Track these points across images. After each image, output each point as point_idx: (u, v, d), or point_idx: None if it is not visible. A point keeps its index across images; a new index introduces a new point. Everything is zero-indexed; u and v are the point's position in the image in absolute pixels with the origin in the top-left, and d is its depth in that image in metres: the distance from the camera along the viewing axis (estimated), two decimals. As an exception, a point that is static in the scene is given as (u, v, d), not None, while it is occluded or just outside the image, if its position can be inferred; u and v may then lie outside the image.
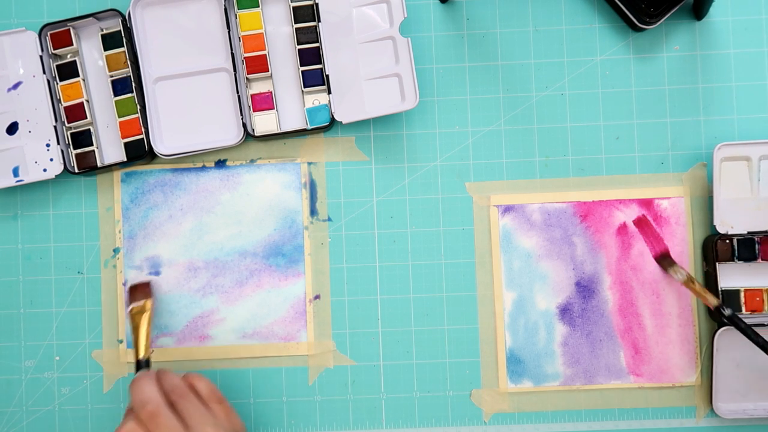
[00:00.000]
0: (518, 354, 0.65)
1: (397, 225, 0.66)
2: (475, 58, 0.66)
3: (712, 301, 0.61)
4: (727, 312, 0.60)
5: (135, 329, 0.62)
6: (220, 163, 0.66)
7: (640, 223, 0.64)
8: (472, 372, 0.65)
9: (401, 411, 0.65)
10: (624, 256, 0.65)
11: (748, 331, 0.59)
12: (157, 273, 0.65)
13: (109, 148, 0.65)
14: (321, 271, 0.65)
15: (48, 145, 0.64)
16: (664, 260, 0.64)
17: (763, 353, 0.63)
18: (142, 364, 0.60)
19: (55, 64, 0.64)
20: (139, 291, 0.64)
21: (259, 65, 0.64)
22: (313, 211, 0.66)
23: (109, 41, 0.64)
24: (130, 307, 0.63)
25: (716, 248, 0.63)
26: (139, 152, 0.64)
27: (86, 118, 0.64)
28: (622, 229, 0.65)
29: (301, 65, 0.64)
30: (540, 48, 0.66)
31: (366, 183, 0.66)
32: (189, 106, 0.64)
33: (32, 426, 0.65)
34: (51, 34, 0.64)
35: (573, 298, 0.65)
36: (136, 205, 0.66)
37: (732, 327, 0.62)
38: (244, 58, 0.64)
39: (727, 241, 0.63)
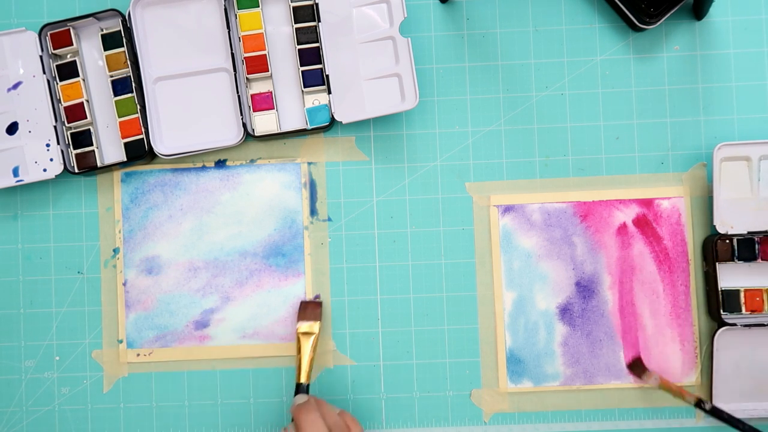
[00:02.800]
0: (518, 354, 0.65)
1: (397, 225, 0.66)
2: (475, 58, 0.66)
3: (690, 399, 0.61)
4: (707, 406, 0.60)
5: (299, 350, 0.62)
6: (220, 163, 0.66)
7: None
8: (472, 372, 0.65)
9: (401, 411, 0.65)
10: (624, 256, 0.65)
11: (732, 421, 0.60)
12: (157, 273, 0.66)
13: (109, 148, 0.65)
14: (321, 271, 0.65)
15: (48, 145, 0.64)
16: (636, 367, 0.63)
17: (763, 353, 0.63)
18: (302, 389, 0.60)
19: (55, 64, 0.64)
20: (310, 310, 0.63)
21: (259, 65, 0.64)
22: (313, 211, 0.66)
23: (109, 41, 0.64)
24: (299, 325, 0.62)
25: (716, 248, 0.63)
26: (139, 152, 0.64)
27: (86, 118, 0.64)
28: (622, 229, 0.65)
29: (301, 65, 0.64)
30: (540, 48, 0.66)
31: (366, 183, 0.66)
32: (189, 106, 0.64)
33: (32, 426, 0.65)
34: (51, 34, 0.64)
35: (573, 298, 0.65)
36: (136, 205, 0.66)
37: (732, 327, 0.62)
38: (244, 58, 0.64)
39: (727, 241, 0.63)
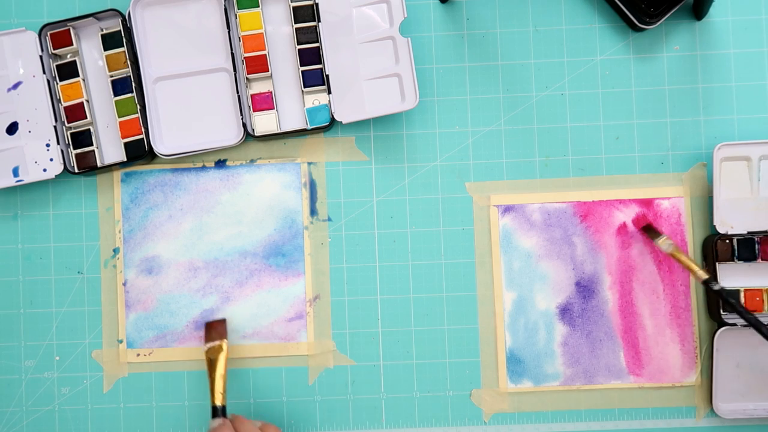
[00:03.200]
0: (518, 354, 0.65)
1: (397, 225, 0.66)
2: (475, 58, 0.66)
3: (701, 274, 0.61)
4: (716, 287, 0.60)
5: (211, 371, 0.60)
6: (220, 163, 0.66)
7: (638, 220, 0.64)
8: (472, 372, 0.65)
9: (401, 411, 0.65)
10: (624, 256, 0.65)
11: (738, 307, 0.59)
12: (157, 273, 0.66)
13: (109, 148, 0.65)
14: (321, 271, 0.65)
15: (48, 145, 0.64)
16: (650, 231, 0.63)
17: (763, 353, 0.63)
18: (218, 412, 0.59)
19: (55, 64, 0.64)
20: (214, 330, 0.63)
21: (259, 65, 0.64)
22: (313, 211, 0.66)
23: (109, 41, 0.64)
24: (206, 347, 0.62)
25: (716, 248, 0.63)
26: (139, 152, 0.64)
27: (86, 118, 0.64)
28: (622, 229, 0.65)
29: (301, 65, 0.64)
30: (540, 48, 0.66)
31: (366, 183, 0.66)
32: (189, 106, 0.64)
33: (32, 426, 0.65)
34: (51, 34, 0.64)
35: (573, 298, 0.65)
36: (136, 205, 0.66)
37: (732, 327, 0.62)
38: (244, 58, 0.64)
39: (727, 241, 0.63)
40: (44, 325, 0.66)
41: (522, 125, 0.66)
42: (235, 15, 0.64)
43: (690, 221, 0.65)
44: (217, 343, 0.62)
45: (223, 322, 0.64)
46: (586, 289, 0.65)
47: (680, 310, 0.65)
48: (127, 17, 0.64)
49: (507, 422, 0.65)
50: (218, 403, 0.59)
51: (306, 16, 0.64)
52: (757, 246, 0.63)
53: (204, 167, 0.66)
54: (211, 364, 0.61)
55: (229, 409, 0.65)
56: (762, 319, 0.63)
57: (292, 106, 0.65)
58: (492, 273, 0.65)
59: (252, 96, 0.64)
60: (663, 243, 0.62)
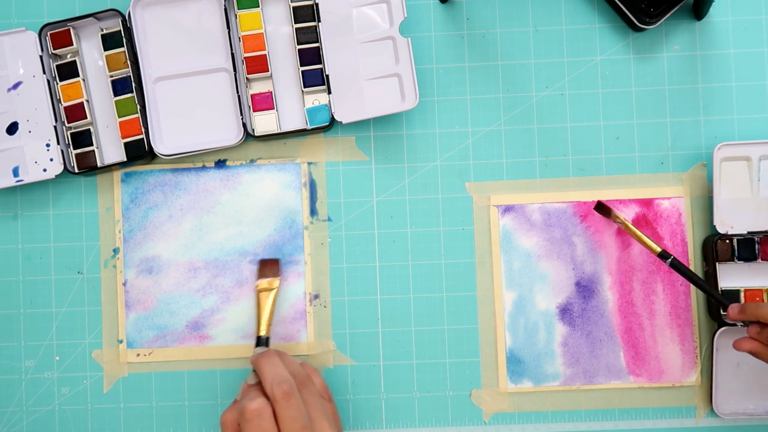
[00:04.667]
0: (518, 354, 0.65)
1: (397, 225, 0.66)
2: (475, 58, 0.66)
3: (654, 247, 0.61)
4: (669, 261, 0.61)
5: (259, 306, 0.62)
6: (220, 163, 0.66)
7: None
8: (472, 372, 0.65)
9: (401, 411, 0.65)
10: (624, 256, 0.65)
11: (691, 275, 0.60)
12: (157, 273, 0.66)
13: (109, 148, 0.65)
14: (321, 271, 0.65)
15: (48, 145, 0.64)
16: (602, 209, 0.64)
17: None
18: (262, 341, 0.61)
19: (55, 64, 0.65)
20: (268, 268, 0.64)
21: (259, 65, 0.64)
22: (313, 211, 0.66)
23: (109, 41, 0.64)
24: (258, 283, 0.63)
25: (716, 248, 0.63)
26: (139, 152, 0.64)
27: (86, 118, 0.64)
28: (622, 229, 0.65)
29: (301, 65, 0.64)
30: (540, 48, 0.66)
31: (366, 183, 0.66)
32: (189, 106, 0.64)
33: (32, 426, 0.65)
34: (51, 34, 0.64)
35: (573, 298, 0.65)
36: (136, 205, 0.66)
37: (732, 327, 0.63)
38: (244, 58, 0.64)
39: (727, 241, 0.63)
40: (44, 325, 0.66)
41: (522, 125, 0.66)
42: (235, 15, 0.64)
43: (690, 221, 0.65)
44: (269, 279, 0.63)
45: (277, 261, 0.64)
46: (586, 289, 0.65)
47: (680, 310, 0.65)
48: (127, 17, 0.64)
49: (507, 422, 0.65)
50: (263, 333, 0.61)
51: (306, 16, 0.64)
52: (757, 246, 0.63)
53: (204, 167, 0.66)
54: (261, 299, 0.62)
55: (223, 409, 0.65)
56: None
57: (292, 106, 0.65)
58: (492, 273, 0.65)
59: (252, 96, 0.64)
60: (615, 218, 0.63)
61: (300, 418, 0.54)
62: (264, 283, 0.63)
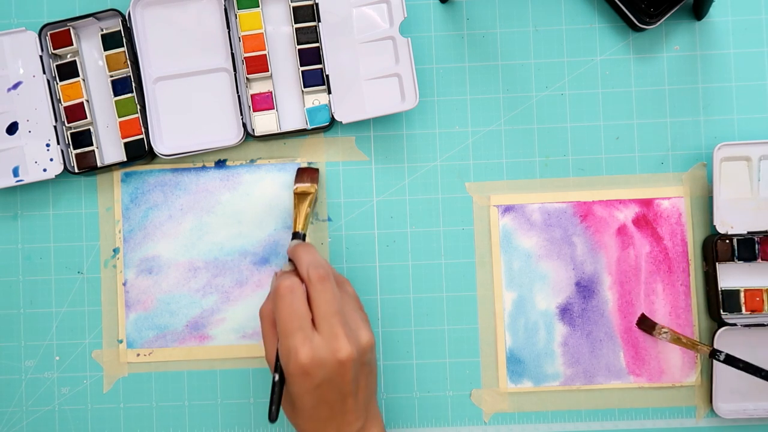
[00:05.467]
0: (518, 354, 0.65)
1: (397, 225, 0.66)
2: (475, 58, 0.66)
3: (705, 349, 0.61)
4: (722, 357, 0.60)
5: (296, 207, 0.62)
6: (220, 163, 0.66)
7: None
8: (472, 372, 0.65)
9: (401, 411, 0.65)
10: (624, 256, 0.65)
11: (748, 369, 0.60)
12: (157, 273, 0.66)
13: (109, 148, 0.65)
14: (321, 271, 0.65)
15: (48, 145, 0.64)
16: (644, 323, 0.64)
17: (763, 353, 0.63)
18: (299, 236, 0.60)
19: (55, 64, 0.65)
20: (307, 175, 0.63)
21: (259, 65, 0.64)
22: (313, 212, 0.66)
23: (109, 41, 0.64)
24: (296, 186, 0.62)
25: (716, 248, 0.63)
26: (139, 152, 0.64)
27: (86, 118, 0.64)
28: (622, 229, 0.65)
29: (301, 65, 0.64)
30: (540, 48, 0.66)
31: (366, 183, 0.66)
32: (189, 106, 0.64)
33: (32, 426, 0.65)
34: (51, 34, 0.64)
35: (573, 298, 0.65)
36: (136, 205, 0.66)
37: (732, 327, 0.63)
38: (244, 58, 0.64)
39: (727, 241, 0.63)
40: (44, 325, 0.66)
41: (522, 125, 0.66)
42: (235, 15, 0.64)
43: (690, 221, 0.65)
44: (307, 184, 0.62)
45: (317, 170, 0.64)
46: (586, 289, 0.65)
47: (680, 310, 0.65)
48: (127, 17, 0.64)
49: (507, 422, 0.65)
50: (300, 229, 0.61)
51: (306, 16, 0.64)
52: (757, 246, 0.63)
53: (204, 167, 0.66)
54: (298, 200, 0.62)
55: (223, 409, 0.65)
56: (762, 320, 0.63)
57: (292, 106, 0.65)
58: (492, 273, 0.65)
59: (252, 96, 0.64)
60: (661, 334, 0.63)
61: (334, 302, 0.53)
62: (302, 186, 0.62)
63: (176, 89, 0.64)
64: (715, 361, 0.63)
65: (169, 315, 0.65)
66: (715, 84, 0.66)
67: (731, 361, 0.60)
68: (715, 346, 0.63)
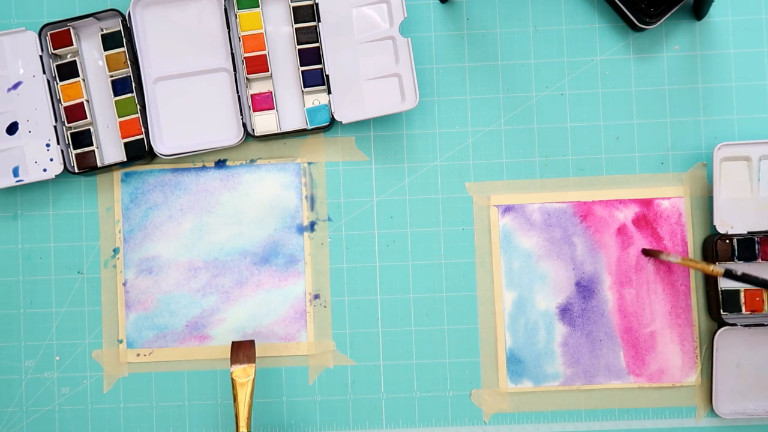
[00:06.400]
0: (518, 354, 0.65)
1: (397, 225, 0.66)
2: (475, 58, 0.66)
3: (718, 270, 0.60)
4: (739, 272, 0.59)
5: (236, 399, 0.58)
6: (220, 163, 0.66)
7: (638, 221, 0.64)
8: (472, 372, 0.65)
9: (401, 411, 0.65)
10: (624, 256, 0.65)
11: (754, 279, 0.59)
12: (157, 273, 0.66)
13: (109, 148, 0.65)
14: (321, 271, 0.65)
15: (48, 145, 0.64)
16: (651, 252, 0.64)
17: (763, 353, 0.63)
18: None
19: (55, 64, 0.65)
20: (243, 352, 0.60)
21: (259, 65, 0.64)
22: (313, 211, 0.66)
23: (109, 41, 0.64)
24: (233, 369, 0.59)
25: (716, 248, 0.63)
26: (139, 152, 0.64)
27: (86, 118, 0.64)
28: (622, 229, 0.65)
29: (301, 65, 0.64)
30: (540, 48, 0.66)
31: (366, 183, 0.66)
32: (189, 106, 0.64)
33: (32, 426, 0.65)
34: (51, 34, 0.64)
35: (573, 298, 0.65)
36: (136, 205, 0.66)
37: (732, 327, 0.62)
38: (244, 58, 0.64)
39: (727, 241, 0.63)
40: (44, 325, 0.66)
41: (522, 125, 0.66)
42: (235, 15, 0.64)
43: (690, 221, 0.65)
44: (244, 366, 0.60)
45: (252, 344, 0.61)
46: (586, 289, 0.65)
47: (680, 310, 0.65)
48: (127, 17, 0.64)
49: (507, 422, 0.65)
50: (243, 428, 0.58)
51: (306, 16, 0.64)
52: (757, 246, 0.63)
53: (204, 167, 0.66)
54: (237, 390, 0.59)
55: (223, 409, 0.65)
56: (762, 320, 0.63)
57: (292, 106, 0.65)
58: (492, 273, 0.65)
59: (252, 96, 0.64)
60: (670, 256, 0.62)
61: None
62: (239, 370, 0.59)
63: (176, 89, 0.64)
64: (714, 361, 0.63)
65: (169, 315, 0.65)
66: (715, 84, 0.66)
67: (747, 278, 0.59)
68: (715, 346, 0.63)
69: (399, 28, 0.63)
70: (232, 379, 0.59)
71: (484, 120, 0.66)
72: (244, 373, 0.59)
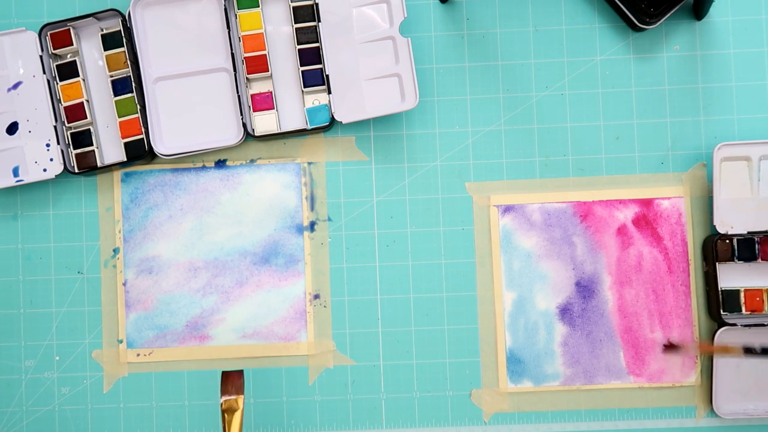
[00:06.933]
0: (518, 354, 0.65)
1: (397, 225, 0.66)
2: (475, 58, 0.66)
3: (738, 350, 0.60)
4: (759, 349, 0.59)
5: (225, 428, 0.58)
6: (220, 163, 0.66)
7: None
8: (472, 372, 0.65)
9: (401, 411, 0.65)
10: (624, 256, 0.65)
11: None
12: (157, 273, 0.66)
13: (109, 148, 0.65)
14: (321, 271, 0.65)
15: (48, 145, 0.64)
16: (671, 349, 0.64)
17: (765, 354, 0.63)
18: None
19: (55, 64, 0.65)
20: (231, 383, 0.59)
21: (259, 65, 0.64)
22: (313, 211, 0.66)
23: (109, 41, 0.64)
24: (222, 400, 0.59)
25: (716, 248, 0.63)
26: (139, 152, 0.64)
27: (86, 118, 0.64)
28: (622, 229, 0.65)
29: (301, 65, 0.64)
30: (540, 48, 0.66)
31: (366, 183, 0.66)
32: (189, 106, 0.64)
33: (32, 426, 0.65)
34: (51, 34, 0.64)
35: (573, 298, 0.65)
36: (136, 205, 0.66)
37: (732, 327, 0.63)
38: (244, 58, 0.64)
39: (727, 241, 0.63)
40: (44, 325, 0.66)
41: (522, 125, 0.66)
42: (235, 15, 0.64)
43: (690, 221, 0.65)
44: (233, 397, 0.59)
45: (240, 374, 0.60)
46: (586, 289, 0.65)
47: (680, 310, 0.65)
48: (127, 17, 0.64)
49: (507, 422, 0.65)
50: None
51: (306, 16, 0.64)
52: (757, 246, 0.63)
53: (204, 167, 0.66)
54: (226, 421, 0.58)
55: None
56: (762, 320, 0.63)
57: (292, 106, 0.65)
58: (492, 273, 0.65)
59: (252, 96, 0.64)
60: (689, 350, 0.63)
61: None
62: (228, 401, 0.59)
63: (176, 89, 0.64)
64: (714, 361, 0.63)
65: (169, 315, 0.65)
66: (715, 84, 0.66)
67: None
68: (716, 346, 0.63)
69: (399, 28, 0.63)
70: (222, 411, 0.58)
71: (484, 120, 0.66)
72: (234, 404, 0.59)
